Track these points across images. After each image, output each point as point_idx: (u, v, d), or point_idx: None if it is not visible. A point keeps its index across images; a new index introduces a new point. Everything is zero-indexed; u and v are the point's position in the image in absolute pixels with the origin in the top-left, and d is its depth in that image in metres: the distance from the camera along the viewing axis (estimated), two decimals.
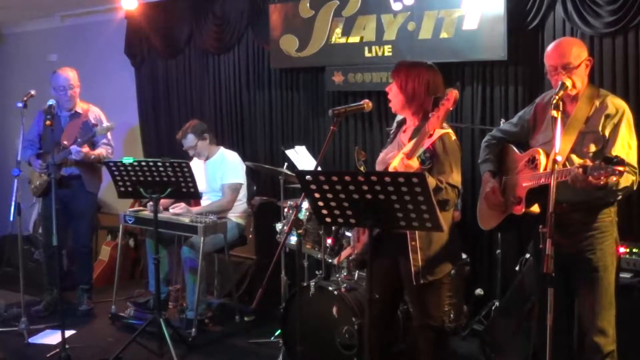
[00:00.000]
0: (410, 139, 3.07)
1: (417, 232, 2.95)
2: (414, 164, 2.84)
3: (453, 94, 2.79)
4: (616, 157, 2.49)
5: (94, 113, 5.22)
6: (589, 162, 2.57)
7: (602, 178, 2.50)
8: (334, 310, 3.75)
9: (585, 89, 2.94)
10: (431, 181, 2.85)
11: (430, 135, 2.85)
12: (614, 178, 2.52)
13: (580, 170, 2.58)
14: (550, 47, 3.00)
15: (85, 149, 4.92)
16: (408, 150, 2.92)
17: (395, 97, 3.13)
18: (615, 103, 2.90)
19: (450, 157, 3.01)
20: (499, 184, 3.16)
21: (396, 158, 3.01)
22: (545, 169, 2.87)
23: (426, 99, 3.08)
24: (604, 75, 4.04)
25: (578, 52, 2.91)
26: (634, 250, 3.60)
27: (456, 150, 3.05)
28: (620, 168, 2.45)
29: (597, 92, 2.96)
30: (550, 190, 2.55)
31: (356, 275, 3.99)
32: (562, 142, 2.86)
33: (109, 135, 5.13)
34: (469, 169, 4.71)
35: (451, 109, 2.82)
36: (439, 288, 3.13)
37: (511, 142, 3.23)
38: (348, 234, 4.01)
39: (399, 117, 3.32)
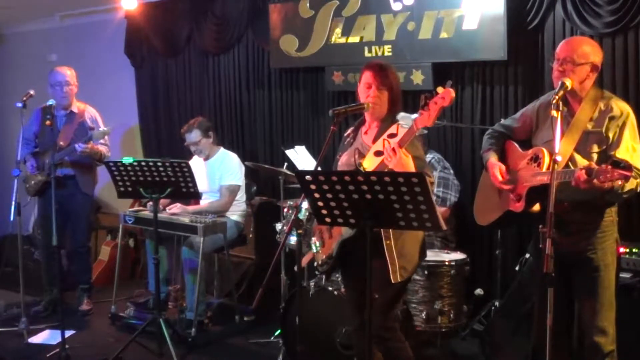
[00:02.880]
0: (375, 140, 3.05)
1: (390, 231, 2.93)
2: (409, 160, 2.85)
3: (450, 92, 2.76)
4: (624, 161, 2.49)
5: (90, 114, 5.20)
6: (594, 165, 2.58)
7: (607, 182, 2.51)
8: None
9: (590, 90, 2.95)
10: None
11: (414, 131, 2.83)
12: (620, 182, 2.52)
13: (584, 172, 2.58)
14: (563, 41, 3.04)
15: (90, 143, 4.91)
16: (398, 140, 2.89)
17: (383, 102, 3.08)
18: (620, 105, 2.91)
19: (422, 152, 3.09)
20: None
21: (366, 160, 2.99)
22: (548, 168, 2.87)
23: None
24: (604, 75, 4.04)
25: (585, 52, 2.90)
26: (634, 250, 3.60)
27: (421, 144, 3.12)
28: (628, 173, 2.45)
29: (602, 94, 2.96)
30: (550, 189, 2.55)
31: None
32: (565, 141, 2.87)
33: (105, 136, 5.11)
34: (469, 168, 4.71)
35: (446, 106, 2.81)
36: (405, 286, 3.14)
37: (512, 137, 3.23)
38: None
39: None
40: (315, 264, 3.28)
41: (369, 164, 2.97)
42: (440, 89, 2.76)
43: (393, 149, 2.83)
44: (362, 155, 3.14)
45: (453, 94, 2.76)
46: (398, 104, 3.14)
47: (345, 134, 3.32)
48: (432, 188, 3.01)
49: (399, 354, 3.10)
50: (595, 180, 2.54)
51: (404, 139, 2.86)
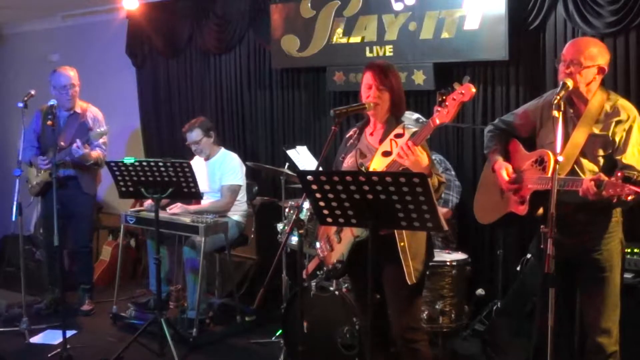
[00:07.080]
0: (382, 141, 3.05)
1: (403, 232, 2.92)
2: (424, 157, 2.83)
3: (469, 88, 2.74)
4: (634, 175, 2.49)
5: (92, 113, 5.20)
6: (604, 177, 2.57)
7: (616, 196, 2.51)
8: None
9: (596, 91, 2.94)
10: (433, 180, 2.85)
11: (433, 127, 2.83)
12: (630, 197, 2.51)
13: (593, 184, 2.58)
14: (570, 42, 3.04)
15: (87, 149, 4.91)
16: (414, 138, 2.88)
17: (384, 102, 3.07)
18: (627, 108, 2.90)
19: (429, 152, 3.05)
20: None
21: (374, 160, 2.99)
22: (553, 172, 2.86)
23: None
24: (605, 75, 4.02)
25: (592, 54, 2.89)
26: (636, 250, 3.60)
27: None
28: (639, 189, 2.45)
29: (607, 95, 2.95)
30: (551, 190, 2.54)
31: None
32: (571, 144, 2.86)
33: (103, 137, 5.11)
34: (471, 168, 4.71)
35: (466, 101, 2.79)
36: (421, 288, 3.14)
37: (513, 134, 3.22)
38: None
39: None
40: (325, 268, 3.27)
41: (378, 164, 2.97)
42: (457, 85, 2.75)
43: (409, 147, 2.81)
44: (363, 155, 3.15)
45: (473, 89, 2.75)
46: (401, 105, 3.12)
47: (347, 135, 3.31)
48: (442, 189, 3.00)
49: (417, 354, 3.09)
50: (604, 192, 2.54)
51: (421, 136, 2.85)
